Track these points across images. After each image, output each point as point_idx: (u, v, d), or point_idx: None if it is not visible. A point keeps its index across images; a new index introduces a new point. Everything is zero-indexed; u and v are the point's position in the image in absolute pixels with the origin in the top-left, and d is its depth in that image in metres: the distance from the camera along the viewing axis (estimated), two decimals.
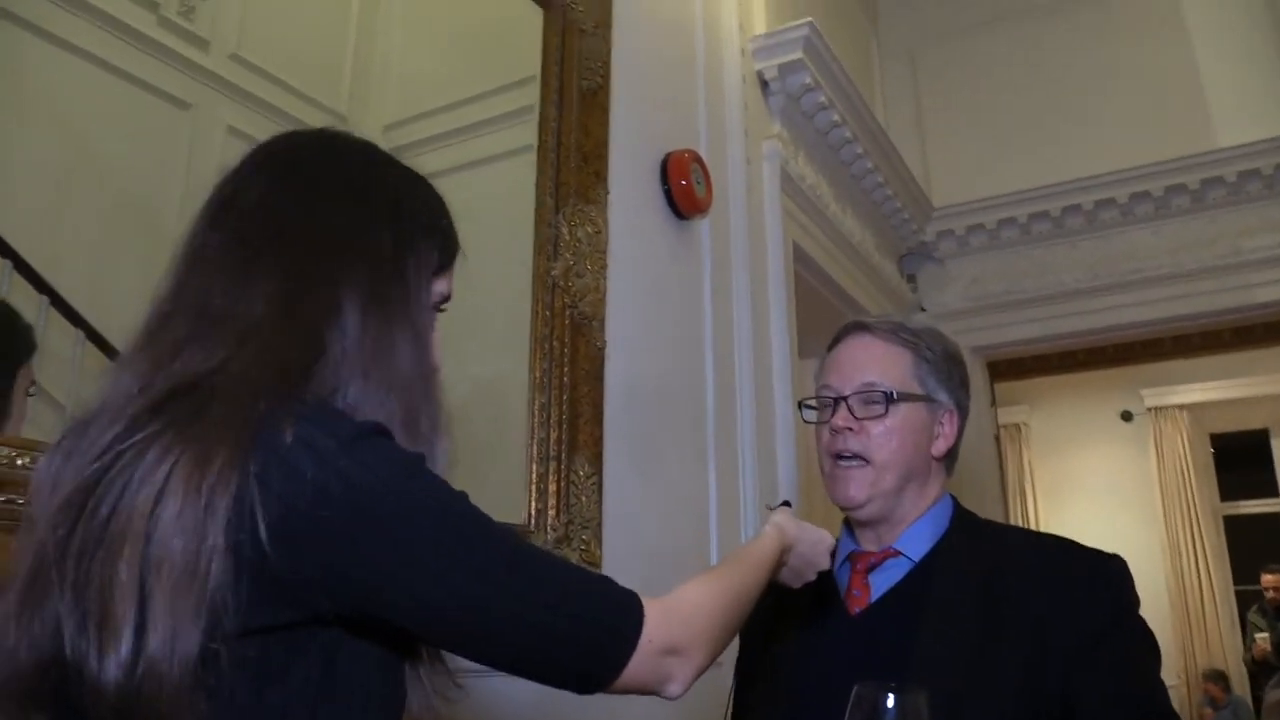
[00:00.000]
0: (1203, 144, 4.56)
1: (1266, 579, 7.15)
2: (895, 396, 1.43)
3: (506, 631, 0.84)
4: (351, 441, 0.80)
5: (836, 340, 1.55)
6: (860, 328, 1.52)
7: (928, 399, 1.46)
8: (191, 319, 0.87)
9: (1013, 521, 6.76)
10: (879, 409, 1.43)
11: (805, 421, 1.56)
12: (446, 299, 1.03)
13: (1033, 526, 8.87)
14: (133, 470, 0.78)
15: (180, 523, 0.74)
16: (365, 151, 1.02)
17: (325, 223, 0.93)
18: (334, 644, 0.83)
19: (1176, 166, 4.57)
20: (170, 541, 0.74)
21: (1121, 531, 8.56)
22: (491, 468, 2.09)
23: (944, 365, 1.48)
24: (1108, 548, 1.41)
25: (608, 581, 0.92)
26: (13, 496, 1.18)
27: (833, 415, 1.46)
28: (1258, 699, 7.00)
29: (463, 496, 0.86)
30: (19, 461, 1.21)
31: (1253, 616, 7.33)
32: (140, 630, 0.73)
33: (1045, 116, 5.00)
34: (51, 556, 0.79)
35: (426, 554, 0.80)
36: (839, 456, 1.45)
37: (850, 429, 1.43)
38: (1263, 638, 7.02)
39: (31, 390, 1.36)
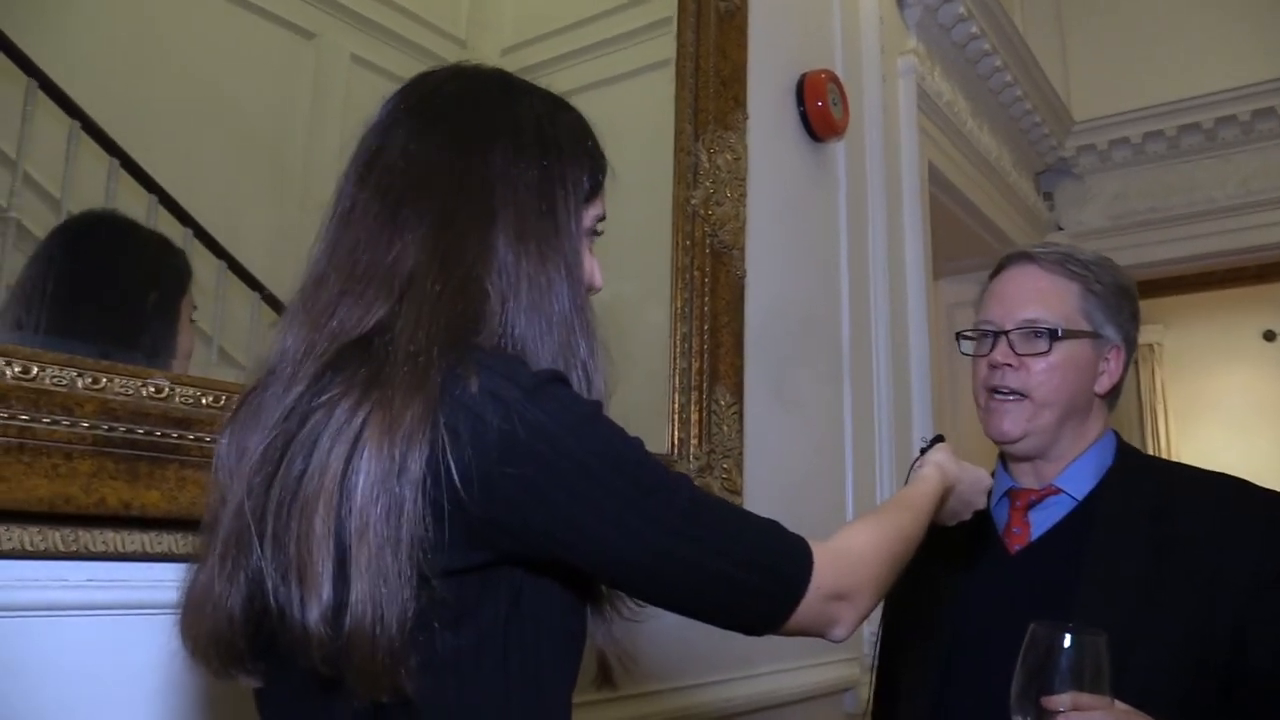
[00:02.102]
0: None
1: None
2: (1060, 334, 1.38)
3: (682, 577, 0.86)
4: (534, 390, 0.82)
5: (999, 269, 1.50)
6: (1025, 257, 1.46)
7: (1094, 335, 1.40)
8: (344, 278, 0.89)
9: (1144, 445, 6.57)
10: (1042, 345, 1.38)
11: (962, 354, 1.52)
12: (601, 219, 1.04)
13: (1164, 450, 8.58)
14: (323, 428, 0.81)
15: (376, 482, 0.77)
16: (502, 84, 1.01)
17: (470, 166, 0.93)
18: (519, 582, 0.86)
19: None
20: (367, 501, 0.76)
21: (1257, 456, 8.19)
22: (635, 396, 2.12)
23: (1113, 299, 1.42)
24: (1242, 473, 1.35)
25: (778, 527, 0.93)
26: (201, 435, 1.24)
27: (992, 349, 1.42)
28: None
29: (638, 444, 0.88)
30: (203, 400, 1.27)
31: None
32: (341, 585, 0.77)
33: (1195, 21, 4.68)
34: (251, 513, 0.83)
35: (607, 501, 0.82)
36: (996, 391, 1.42)
37: (1010, 365, 1.39)
38: None
39: (194, 317, 1.43)
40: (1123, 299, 1.44)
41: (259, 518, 0.83)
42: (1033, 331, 1.39)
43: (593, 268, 1.02)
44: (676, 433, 2.08)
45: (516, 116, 0.97)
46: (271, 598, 0.81)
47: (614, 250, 2.07)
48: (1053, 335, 1.38)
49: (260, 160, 1.70)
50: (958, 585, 1.44)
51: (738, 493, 2.16)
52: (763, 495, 2.26)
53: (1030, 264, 1.45)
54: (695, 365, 2.12)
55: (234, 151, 1.65)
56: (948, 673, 1.39)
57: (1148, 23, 4.81)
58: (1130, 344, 1.45)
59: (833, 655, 2.47)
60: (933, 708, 1.39)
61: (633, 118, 2.28)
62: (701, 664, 2.04)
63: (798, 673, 2.35)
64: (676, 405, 2.09)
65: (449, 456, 0.78)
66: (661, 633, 1.89)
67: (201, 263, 1.49)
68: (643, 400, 2.10)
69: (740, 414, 2.20)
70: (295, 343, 0.88)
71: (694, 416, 2.10)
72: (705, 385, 2.12)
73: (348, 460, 0.78)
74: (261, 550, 0.82)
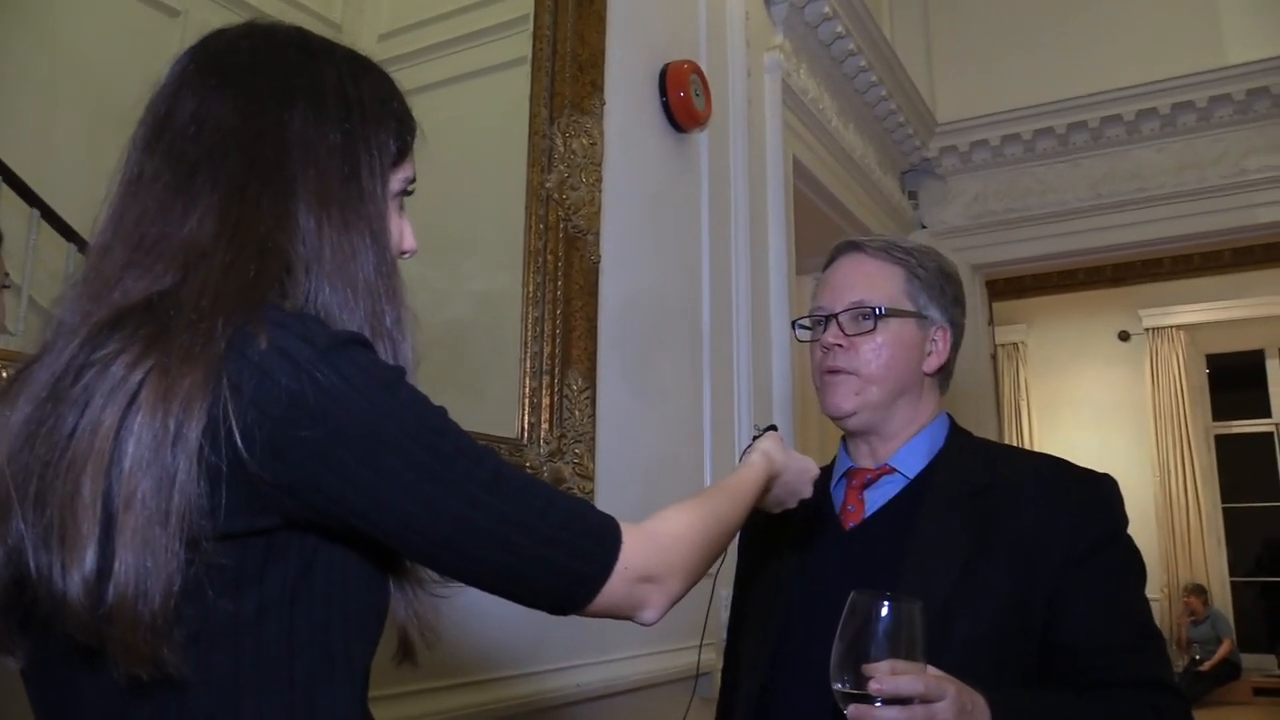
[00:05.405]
0: (1212, 60, 4.48)
1: None
2: (883, 312, 1.44)
3: (482, 550, 0.83)
4: (328, 350, 0.78)
5: (830, 260, 1.57)
6: (852, 247, 1.54)
7: (918, 315, 1.47)
8: (130, 249, 0.84)
9: (1006, 439, 6.82)
10: (868, 325, 1.45)
11: (799, 340, 1.58)
12: (411, 182, 1.00)
13: (1026, 444, 8.96)
14: (97, 384, 0.76)
15: (149, 448, 0.73)
16: (301, 43, 0.96)
17: (265, 130, 0.88)
18: (311, 550, 0.83)
19: (1184, 83, 4.49)
20: (137, 471, 0.73)
21: (1113, 450, 8.66)
22: (487, 382, 2.10)
23: (936, 282, 1.49)
24: (1099, 466, 1.43)
25: (586, 505, 0.91)
26: None
27: (824, 333, 1.48)
28: None
29: (441, 412, 0.84)
30: (2, 374, 1.19)
31: None
32: (105, 552, 0.72)
33: (1053, 31, 4.90)
34: (12, 476, 0.77)
35: (403, 468, 0.79)
36: (829, 371, 1.47)
37: (840, 345, 1.46)
38: None
39: (5, 282, 1.34)
40: (945, 282, 1.51)
41: (20, 479, 0.77)
42: (859, 313, 1.46)
43: (403, 230, 0.98)
44: (527, 417, 2.06)
45: (317, 77, 0.92)
46: (31, 563, 0.75)
47: (471, 239, 2.06)
48: (877, 314, 1.45)
49: (120, 140, 1.62)
50: (798, 562, 1.48)
51: (590, 478, 2.16)
52: (617, 481, 2.26)
53: (857, 252, 1.53)
54: (547, 349, 2.11)
55: (92, 129, 1.56)
56: (780, 648, 1.43)
57: (1009, 31, 5.00)
58: (956, 326, 1.52)
59: (690, 640, 2.47)
60: (764, 683, 1.42)
61: (499, 113, 2.25)
62: (554, 648, 2.03)
63: (655, 657, 2.36)
64: (528, 389, 2.08)
65: (230, 415, 0.74)
66: (512, 616, 1.87)
67: (52, 246, 1.42)
68: (497, 385, 2.08)
69: (593, 399, 2.20)
70: (72, 314, 0.83)
71: (545, 401, 2.08)
72: (557, 369, 2.11)
73: (122, 418, 0.74)
74: (22, 512, 0.76)
